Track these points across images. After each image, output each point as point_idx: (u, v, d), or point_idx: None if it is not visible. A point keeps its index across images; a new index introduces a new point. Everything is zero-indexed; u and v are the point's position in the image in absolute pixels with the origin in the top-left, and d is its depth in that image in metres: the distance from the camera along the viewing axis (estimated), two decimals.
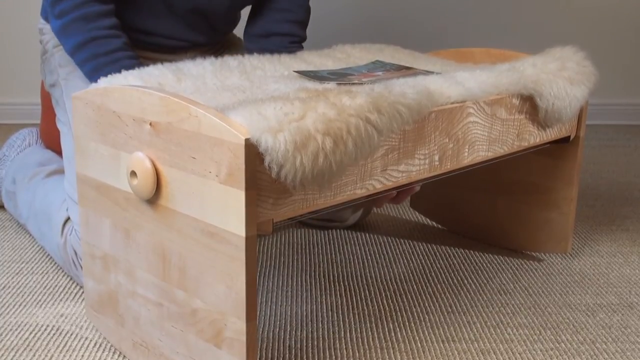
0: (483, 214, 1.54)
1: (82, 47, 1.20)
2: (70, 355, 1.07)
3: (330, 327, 1.17)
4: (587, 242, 1.56)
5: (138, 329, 1.01)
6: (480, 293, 1.30)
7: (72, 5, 1.20)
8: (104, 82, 1.04)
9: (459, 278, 1.36)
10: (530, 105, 1.21)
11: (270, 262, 1.42)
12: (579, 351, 1.11)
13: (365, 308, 1.23)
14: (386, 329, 1.16)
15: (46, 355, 1.06)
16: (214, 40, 1.45)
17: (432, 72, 1.16)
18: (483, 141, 1.13)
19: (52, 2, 1.21)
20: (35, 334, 1.13)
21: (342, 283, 1.33)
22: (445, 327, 1.17)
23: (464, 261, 1.45)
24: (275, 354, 1.08)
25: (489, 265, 1.43)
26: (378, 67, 1.23)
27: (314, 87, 0.96)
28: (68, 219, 1.29)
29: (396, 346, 1.11)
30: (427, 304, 1.25)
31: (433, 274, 1.38)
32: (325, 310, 1.22)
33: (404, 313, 1.22)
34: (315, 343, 1.12)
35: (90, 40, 1.20)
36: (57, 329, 1.14)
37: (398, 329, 1.16)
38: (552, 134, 1.30)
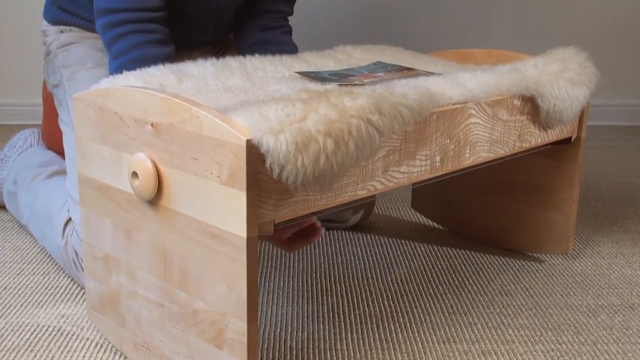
0: (484, 215, 1.54)
1: None
2: (72, 356, 1.07)
3: (332, 328, 1.17)
4: (589, 243, 1.55)
5: (139, 329, 1.01)
6: (482, 294, 1.30)
7: (130, 45, 1.16)
8: (105, 83, 1.05)
9: (460, 279, 1.36)
10: (531, 106, 1.21)
11: (272, 263, 1.42)
12: (580, 352, 1.10)
13: (367, 309, 1.23)
14: (387, 330, 1.16)
15: (47, 356, 1.06)
16: (217, 39, 1.45)
17: (433, 73, 1.16)
18: (484, 142, 1.13)
19: (109, 42, 1.17)
20: (37, 334, 1.13)
21: (343, 284, 1.33)
22: (447, 328, 1.17)
23: (465, 262, 1.44)
24: (277, 354, 1.08)
25: (490, 266, 1.43)
26: (379, 68, 1.23)
27: (316, 88, 0.96)
28: (69, 220, 1.29)
29: (397, 347, 1.11)
30: (428, 305, 1.25)
31: (434, 275, 1.38)
32: (326, 311, 1.22)
33: (405, 314, 1.22)
34: (317, 344, 1.11)
35: None
36: (58, 330, 1.14)
37: (399, 330, 1.16)
38: (553, 135, 1.29)
